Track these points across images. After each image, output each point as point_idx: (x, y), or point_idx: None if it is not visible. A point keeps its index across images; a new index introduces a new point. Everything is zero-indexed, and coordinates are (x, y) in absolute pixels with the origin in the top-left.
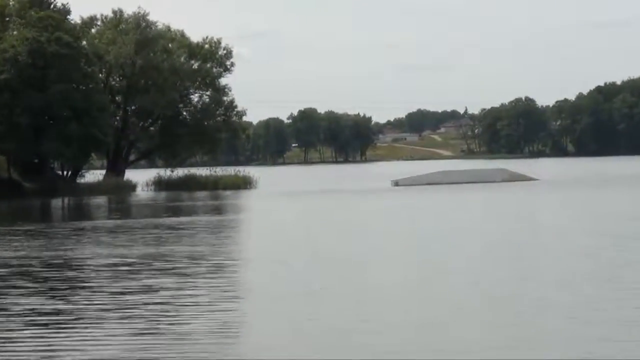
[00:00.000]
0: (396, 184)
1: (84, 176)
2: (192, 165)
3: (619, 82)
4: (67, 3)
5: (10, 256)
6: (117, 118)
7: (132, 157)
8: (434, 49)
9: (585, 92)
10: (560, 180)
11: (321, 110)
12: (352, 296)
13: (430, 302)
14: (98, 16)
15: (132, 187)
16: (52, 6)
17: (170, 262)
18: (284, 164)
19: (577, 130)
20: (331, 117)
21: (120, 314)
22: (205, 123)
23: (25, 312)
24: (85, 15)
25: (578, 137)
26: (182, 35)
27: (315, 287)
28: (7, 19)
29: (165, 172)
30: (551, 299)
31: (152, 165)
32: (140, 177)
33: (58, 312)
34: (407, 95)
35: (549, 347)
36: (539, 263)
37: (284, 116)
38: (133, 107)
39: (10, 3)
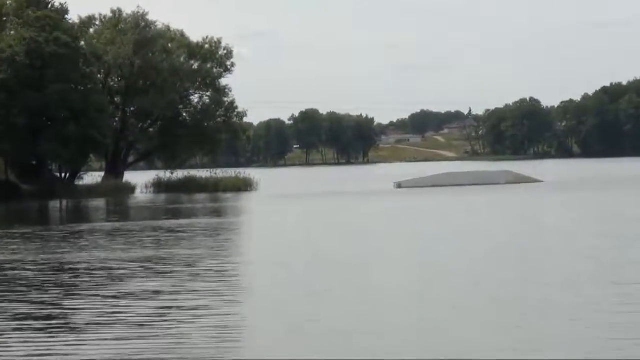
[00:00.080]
0: (399, 186)
1: (82, 178)
2: (191, 167)
3: (625, 83)
4: (65, 3)
5: (6, 260)
6: (116, 119)
7: (131, 159)
8: (434, 49)
9: (590, 92)
10: (564, 182)
11: (323, 111)
12: (353, 298)
13: (432, 304)
14: (96, 16)
15: (131, 189)
16: (49, 6)
17: (169, 265)
18: (285, 165)
19: (583, 131)
20: (333, 118)
21: (118, 317)
22: (205, 124)
23: (20, 316)
24: (84, 15)
25: (584, 138)
26: (182, 35)
27: (316, 289)
28: (5, 18)
29: (165, 174)
30: (555, 300)
31: (151, 167)
32: (140, 179)
33: (53, 317)
34: (407, 95)
35: (552, 349)
36: (542, 265)
37: (285, 117)
38: (132, 108)
39: (8, 2)
